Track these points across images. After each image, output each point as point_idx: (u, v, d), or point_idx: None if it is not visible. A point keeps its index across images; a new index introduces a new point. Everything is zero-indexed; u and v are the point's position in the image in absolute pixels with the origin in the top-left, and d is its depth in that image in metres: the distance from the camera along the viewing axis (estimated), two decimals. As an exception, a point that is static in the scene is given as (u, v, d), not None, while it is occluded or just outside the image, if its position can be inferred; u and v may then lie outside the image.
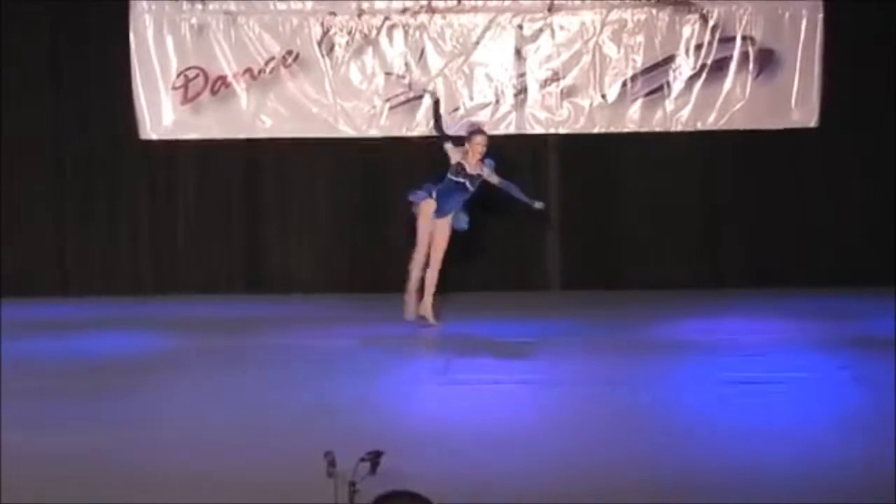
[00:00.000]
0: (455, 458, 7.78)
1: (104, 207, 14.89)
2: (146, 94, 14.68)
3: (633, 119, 14.58)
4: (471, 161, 12.32)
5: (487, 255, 14.66)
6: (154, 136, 14.79)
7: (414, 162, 14.54)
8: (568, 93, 14.62)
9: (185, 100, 14.70)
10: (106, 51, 14.63)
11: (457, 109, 14.61)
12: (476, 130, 12.58)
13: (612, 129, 14.62)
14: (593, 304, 13.71)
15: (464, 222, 12.27)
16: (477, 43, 14.64)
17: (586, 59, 14.59)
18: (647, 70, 14.57)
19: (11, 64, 14.57)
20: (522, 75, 14.63)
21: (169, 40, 14.66)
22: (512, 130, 14.63)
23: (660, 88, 14.56)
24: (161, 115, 14.71)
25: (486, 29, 14.63)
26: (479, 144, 12.34)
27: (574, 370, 10.48)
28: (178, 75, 14.68)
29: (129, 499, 7.10)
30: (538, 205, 12.48)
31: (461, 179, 12.27)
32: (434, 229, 12.23)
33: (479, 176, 12.32)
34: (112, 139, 14.79)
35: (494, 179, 12.31)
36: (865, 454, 7.59)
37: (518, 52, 14.62)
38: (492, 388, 9.87)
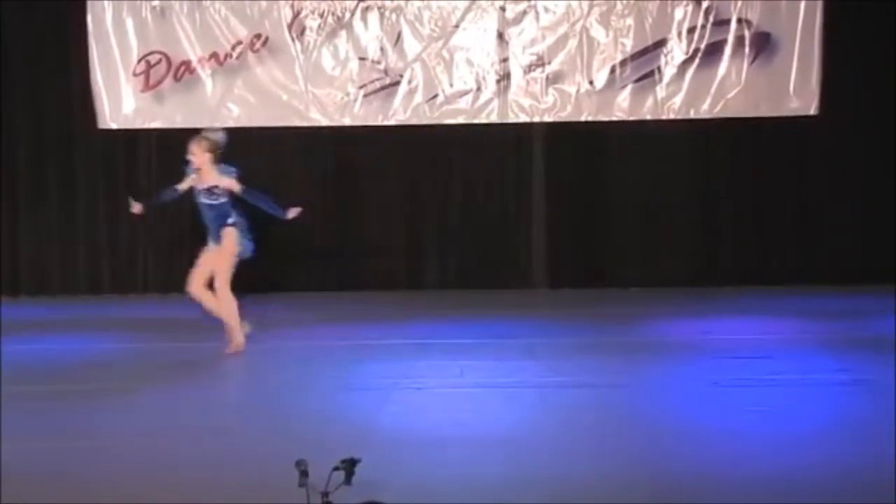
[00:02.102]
0: (434, 465, 7.41)
1: (59, 203, 14.20)
2: (105, 81, 14.07)
3: (622, 107, 14.01)
4: (198, 174, 10.80)
5: (467, 251, 14.04)
6: (114, 126, 14.19)
7: (389, 152, 14.00)
8: (553, 79, 14.02)
9: (147, 87, 14.07)
10: (60, 35, 13.94)
11: (436, 97, 14.03)
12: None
13: (601, 118, 14.06)
14: (581, 303, 13.32)
15: (248, 250, 10.92)
16: (457, 26, 14.05)
17: (573, 42, 14.01)
18: (638, 55, 13.98)
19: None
20: (505, 60, 14.04)
21: (129, 23, 14.05)
22: (494, 119, 14.10)
23: (650, 74, 14.00)
24: (121, 103, 14.11)
25: (467, 11, 14.04)
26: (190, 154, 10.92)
27: (561, 372, 10.01)
28: (139, 61, 14.08)
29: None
30: (292, 213, 11.03)
31: (200, 200, 10.84)
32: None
33: (216, 186, 10.79)
34: (67, 130, 14.13)
35: (236, 188, 10.79)
36: (864, 458, 7.38)
37: (500, 36, 14.03)
38: (473, 391, 9.45)
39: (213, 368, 10.48)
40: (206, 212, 10.81)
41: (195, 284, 10.91)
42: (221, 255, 10.79)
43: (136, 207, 11.12)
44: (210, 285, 10.87)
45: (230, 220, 10.78)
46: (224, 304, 10.82)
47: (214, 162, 10.78)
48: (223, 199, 10.76)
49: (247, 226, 10.90)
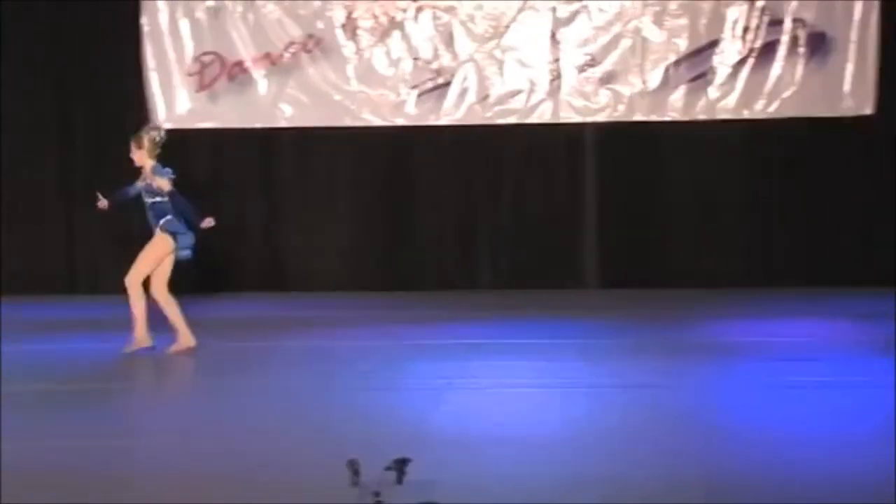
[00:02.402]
0: (486, 465, 7.31)
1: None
2: (160, 82, 14.12)
3: (675, 107, 13.94)
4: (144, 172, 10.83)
5: (520, 251, 13.98)
6: (168, 126, 14.09)
7: (442, 152, 14.00)
8: (606, 79, 14.00)
9: (201, 87, 14.13)
10: (116, 36, 14.00)
11: (488, 97, 13.99)
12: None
13: (654, 118, 14.03)
14: (633, 303, 13.23)
15: (185, 252, 10.85)
16: (509, 26, 13.97)
17: (626, 43, 13.96)
18: (691, 55, 13.96)
19: (14, 49, 13.93)
20: (557, 60, 13.96)
21: (184, 24, 14.11)
22: (546, 119, 14.10)
23: (704, 74, 13.96)
24: (175, 103, 14.11)
25: (519, 11, 14.02)
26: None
27: (614, 373, 9.96)
28: (194, 61, 14.06)
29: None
30: (206, 223, 10.85)
31: (144, 198, 10.84)
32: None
33: (150, 185, 10.76)
34: (122, 130, 14.14)
35: (166, 188, 10.68)
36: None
37: (553, 36, 14.00)
38: (523, 392, 9.38)
39: (266, 367, 10.47)
40: (146, 209, 10.81)
41: (132, 281, 10.83)
42: (146, 251, 10.81)
43: (102, 203, 11.02)
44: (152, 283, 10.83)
45: (162, 221, 10.76)
46: (134, 300, 10.77)
47: (152, 159, 10.79)
48: (160, 198, 10.73)
49: (184, 228, 10.80)
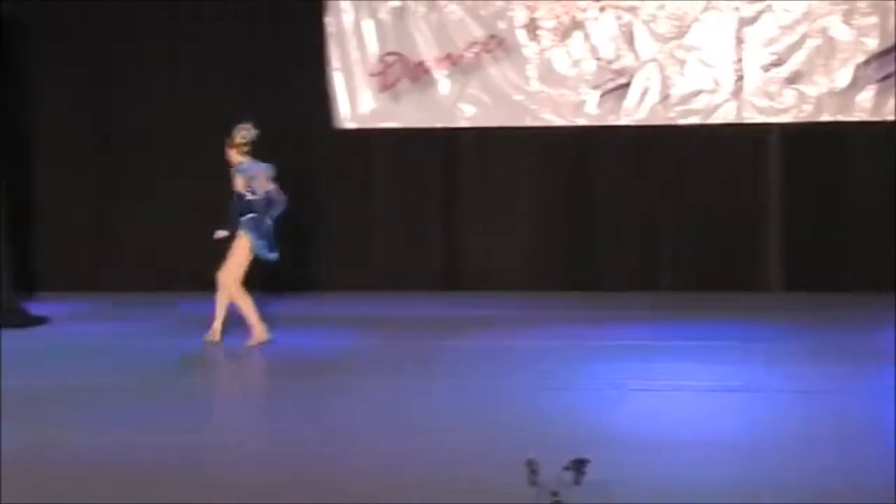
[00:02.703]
0: (664, 468, 7.29)
1: (297, 199, 14.43)
2: (343, 82, 14.24)
3: (863, 107, 13.61)
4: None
5: (702, 253, 13.83)
6: (351, 125, 14.35)
7: (623, 152, 13.89)
8: (792, 79, 13.72)
9: (384, 87, 14.20)
10: (301, 35, 14.21)
11: (670, 97, 13.84)
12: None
13: (841, 118, 13.67)
14: (817, 307, 12.95)
15: (262, 250, 11.19)
16: (691, 26, 13.80)
17: (812, 42, 13.65)
18: (881, 54, 13.57)
19: (205, 49, 14.22)
20: (740, 60, 13.72)
21: (367, 25, 14.19)
22: (730, 119, 13.85)
23: (893, 74, 13.52)
24: (358, 102, 14.23)
25: (703, 11, 13.81)
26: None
27: (796, 377, 9.83)
28: (377, 61, 14.19)
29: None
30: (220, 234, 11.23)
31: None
32: None
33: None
34: (305, 130, 14.38)
35: (238, 186, 11.19)
36: None
37: (737, 36, 13.73)
38: (701, 395, 9.28)
39: (444, 366, 10.52)
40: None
41: (226, 282, 11.18)
42: (231, 251, 11.13)
43: (220, 234, 11.29)
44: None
45: (242, 219, 11.01)
46: (237, 300, 11.12)
47: (241, 157, 11.16)
48: (243, 196, 11.08)
49: (257, 226, 11.07)
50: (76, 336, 11.90)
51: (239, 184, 11.18)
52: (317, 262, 14.49)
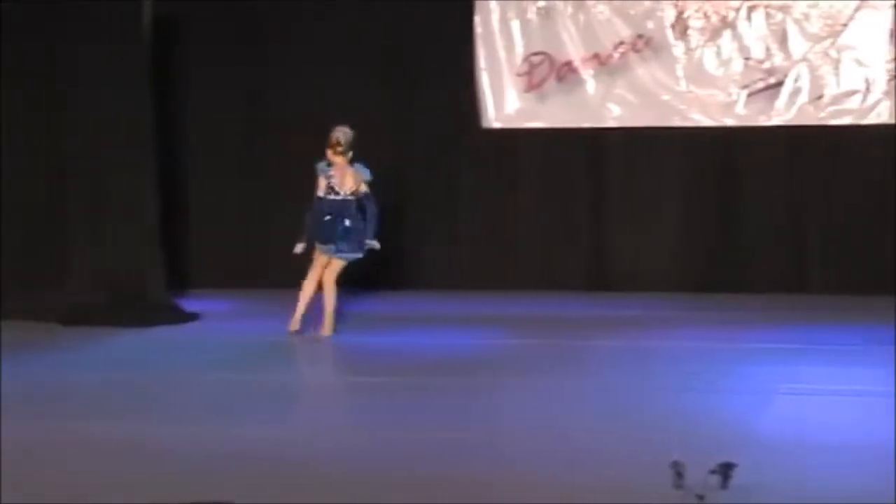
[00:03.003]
0: (812, 472, 7.13)
1: (444, 199, 14.54)
2: (490, 81, 14.29)
3: None
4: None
5: (852, 255, 13.69)
6: (497, 125, 14.37)
7: (772, 153, 13.71)
8: (948, 79, 13.39)
9: (530, 87, 14.22)
10: (448, 35, 14.28)
11: (821, 97, 13.61)
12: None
13: None
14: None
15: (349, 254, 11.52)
16: (846, 25, 13.58)
17: (971, 41, 13.33)
18: None
19: (355, 49, 14.36)
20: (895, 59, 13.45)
21: (514, 24, 14.23)
22: (884, 120, 13.64)
23: None
24: (505, 102, 14.27)
25: (857, 10, 13.56)
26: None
27: None
28: (523, 61, 14.21)
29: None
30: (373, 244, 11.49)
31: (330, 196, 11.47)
32: None
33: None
34: (451, 129, 14.44)
35: (318, 187, 11.49)
36: None
37: (892, 35, 13.49)
38: (849, 399, 9.09)
39: (590, 366, 10.48)
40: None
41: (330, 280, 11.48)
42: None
43: (298, 248, 11.48)
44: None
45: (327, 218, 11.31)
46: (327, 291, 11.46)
47: (335, 157, 11.37)
48: (321, 198, 11.48)
49: (324, 228, 11.35)
50: (229, 332, 12.09)
51: (318, 182, 11.37)
52: (464, 262, 14.55)
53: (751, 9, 13.79)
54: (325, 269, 11.43)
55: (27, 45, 12.81)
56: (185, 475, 7.02)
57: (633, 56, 14.02)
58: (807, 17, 13.69)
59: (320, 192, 11.40)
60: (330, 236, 11.36)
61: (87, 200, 12.94)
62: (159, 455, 7.51)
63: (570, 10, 14.11)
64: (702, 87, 13.91)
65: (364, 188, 11.43)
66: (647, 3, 13.96)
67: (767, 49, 13.77)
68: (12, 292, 12.74)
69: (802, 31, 13.69)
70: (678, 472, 5.98)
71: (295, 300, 11.57)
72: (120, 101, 12.83)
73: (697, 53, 13.91)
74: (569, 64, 14.13)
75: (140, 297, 12.72)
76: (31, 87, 12.87)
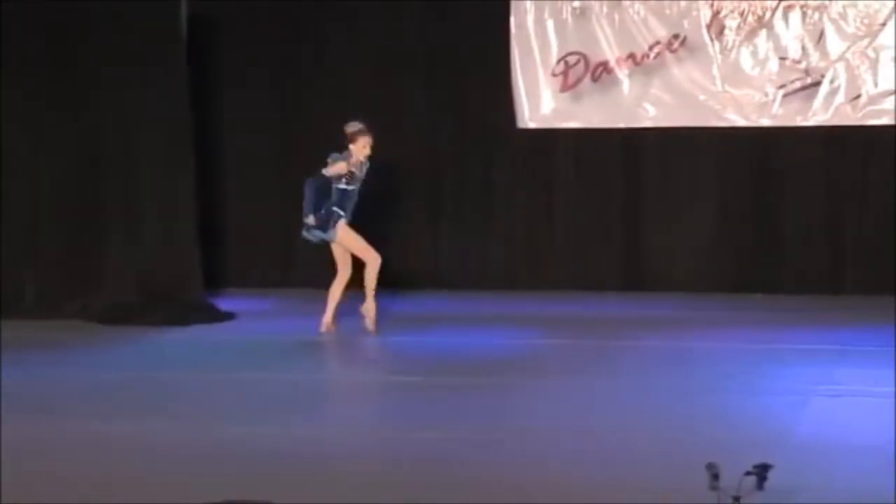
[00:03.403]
0: (849, 473, 7.10)
1: (479, 199, 14.54)
2: (525, 81, 14.28)
3: None
4: (358, 162, 11.46)
5: (890, 256, 13.57)
6: (532, 125, 14.37)
7: (809, 153, 13.66)
8: None
9: (565, 87, 14.22)
10: (483, 35, 14.28)
11: (859, 97, 13.54)
12: (364, 129, 11.50)
13: None
14: None
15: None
16: (884, 24, 13.54)
17: None
18: None
19: (388, 49, 14.37)
20: (933, 59, 13.40)
21: (550, 25, 14.22)
22: (921, 120, 13.43)
23: None
24: (540, 102, 14.26)
25: (894, 9, 13.43)
26: (367, 147, 11.46)
27: None
28: (559, 61, 14.18)
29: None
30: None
31: (352, 186, 11.45)
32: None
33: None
34: (487, 129, 14.44)
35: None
36: None
37: (929, 34, 13.39)
38: (886, 400, 8.95)
39: (625, 366, 10.46)
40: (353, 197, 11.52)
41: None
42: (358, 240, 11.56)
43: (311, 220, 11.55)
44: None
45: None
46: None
47: (349, 148, 11.44)
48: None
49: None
50: (263, 332, 12.13)
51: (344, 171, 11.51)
52: (499, 262, 14.55)
53: (787, 8, 13.74)
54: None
55: (65, 46, 12.89)
56: (218, 474, 7.06)
57: (668, 56, 13.98)
58: (843, 16, 13.62)
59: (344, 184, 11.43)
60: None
61: (124, 200, 13.02)
62: (196, 453, 7.55)
63: (605, 9, 14.08)
64: (738, 87, 13.86)
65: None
66: (682, 3, 13.92)
67: (804, 49, 13.71)
68: (50, 292, 12.83)
69: (839, 30, 13.63)
70: (714, 473, 5.96)
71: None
72: (158, 100, 12.91)
73: (733, 53, 13.86)
74: (604, 64, 14.10)
75: (176, 297, 12.78)
76: (69, 87, 12.95)
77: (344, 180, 11.39)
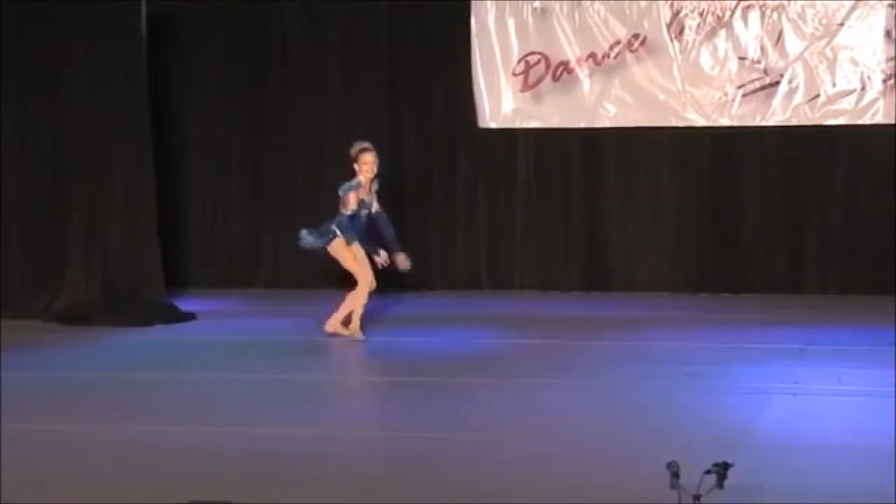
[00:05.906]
0: (810, 472, 7.16)
1: (441, 200, 14.56)
2: (486, 81, 14.29)
3: None
4: (365, 186, 11.34)
5: (848, 255, 13.71)
6: (493, 125, 14.38)
7: (767, 153, 13.74)
8: (944, 78, 13.39)
9: (526, 86, 14.22)
10: (446, 35, 14.32)
11: (817, 97, 13.62)
12: (366, 147, 11.40)
13: None
14: None
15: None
16: (842, 24, 13.61)
17: (965, 39, 13.34)
18: None
19: (353, 42, 14.38)
20: (892, 59, 13.47)
21: (511, 24, 14.24)
22: (879, 120, 13.60)
23: None
24: (501, 102, 14.28)
25: (853, 9, 13.58)
26: (369, 164, 11.32)
27: None
28: (519, 61, 14.21)
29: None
30: (403, 264, 11.51)
31: (364, 210, 11.39)
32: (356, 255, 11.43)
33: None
34: (449, 129, 14.46)
35: (374, 207, 11.42)
36: None
37: (888, 34, 13.52)
38: (850, 399, 9.09)
39: (586, 366, 10.47)
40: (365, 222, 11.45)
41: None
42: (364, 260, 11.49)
43: (382, 258, 11.51)
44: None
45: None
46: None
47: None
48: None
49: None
50: (225, 331, 12.11)
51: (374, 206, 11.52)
52: (461, 262, 14.56)
53: (746, 8, 13.81)
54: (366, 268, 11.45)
55: (23, 44, 12.83)
56: (184, 475, 7.05)
57: (629, 56, 14.03)
58: (802, 16, 13.70)
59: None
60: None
61: (84, 199, 12.95)
62: (157, 454, 7.53)
63: (565, 9, 14.11)
64: (697, 87, 13.92)
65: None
66: (642, 3, 13.96)
67: (763, 49, 13.78)
68: (11, 292, 12.78)
69: (798, 30, 13.71)
70: (674, 472, 5.96)
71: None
72: (119, 101, 12.86)
73: (693, 53, 13.92)
74: (565, 64, 14.13)
75: (138, 297, 12.75)
76: (28, 85, 12.90)
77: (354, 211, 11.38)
